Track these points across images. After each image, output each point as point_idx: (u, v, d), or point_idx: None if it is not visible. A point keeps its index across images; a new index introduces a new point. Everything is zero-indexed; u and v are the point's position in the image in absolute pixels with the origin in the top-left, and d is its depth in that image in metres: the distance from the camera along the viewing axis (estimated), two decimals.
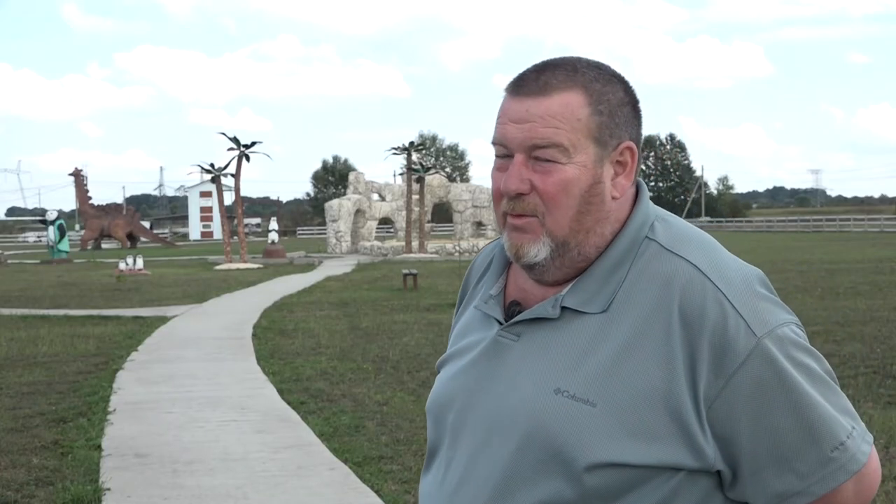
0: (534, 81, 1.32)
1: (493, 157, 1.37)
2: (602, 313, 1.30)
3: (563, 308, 1.32)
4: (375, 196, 44.47)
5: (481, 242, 38.70)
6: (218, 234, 67.58)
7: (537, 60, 1.37)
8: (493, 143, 1.36)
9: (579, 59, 1.35)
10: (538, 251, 1.32)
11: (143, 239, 57.42)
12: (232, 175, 34.94)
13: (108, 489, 5.55)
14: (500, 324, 1.38)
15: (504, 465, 1.29)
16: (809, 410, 1.26)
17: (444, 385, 1.45)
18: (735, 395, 1.24)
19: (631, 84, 1.37)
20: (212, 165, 35.55)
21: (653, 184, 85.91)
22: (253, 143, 34.71)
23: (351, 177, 43.93)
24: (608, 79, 1.34)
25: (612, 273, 1.32)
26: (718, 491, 1.30)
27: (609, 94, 1.32)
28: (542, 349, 1.32)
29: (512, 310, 1.39)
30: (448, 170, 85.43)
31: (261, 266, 31.62)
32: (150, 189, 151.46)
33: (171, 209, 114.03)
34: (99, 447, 6.53)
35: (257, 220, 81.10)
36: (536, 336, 1.33)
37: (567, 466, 1.24)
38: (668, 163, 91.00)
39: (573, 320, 1.31)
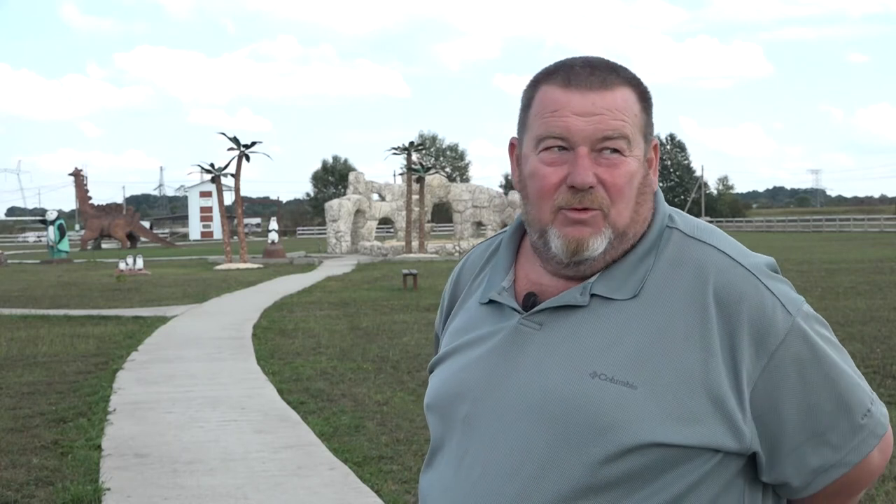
0: (590, 76, 1.34)
1: (538, 153, 1.34)
2: (632, 299, 1.32)
3: (592, 295, 1.34)
4: (375, 196, 44.46)
5: None
6: (218, 234, 67.66)
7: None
8: (546, 137, 1.33)
9: (608, 59, 1.40)
10: (600, 244, 1.33)
11: (143, 239, 57.43)
12: (232, 175, 34.93)
13: (108, 489, 5.55)
14: (519, 313, 1.38)
15: (538, 451, 1.28)
16: (840, 381, 1.32)
17: (450, 379, 1.43)
18: (776, 372, 1.28)
19: None
20: (212, 165, 35.53)
21: None
22: (253, 143, 34.70)
23: (351, 177, 43.92)
24: (640, 81, 1.39)
25: (640, 261, 1.35)
26: (741, 476, 1.32)
27: (647, 93, 1.39)
28: (571, 336, 1.32)
29: (529, 300, 1.39)
30: (448, 170, 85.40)
31: (261, 266, 31.62)
32: (150, 189, 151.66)
33: (171, 209, 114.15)
34: (99, 447, 6.53)
35: (257, 220, 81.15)
36: (563, 324, 1.34)
37: (608, 448, 1.25)
38: (668, 163, 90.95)
39: (602, 307, 1.33)
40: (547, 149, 1.33)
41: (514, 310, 1.39)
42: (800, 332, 1.29)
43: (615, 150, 1.32)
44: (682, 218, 1.41)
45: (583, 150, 1.31)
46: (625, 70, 1.38)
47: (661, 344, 1.28)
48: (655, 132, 1.42)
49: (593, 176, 1.30)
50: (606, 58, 1.40)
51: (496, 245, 1.51)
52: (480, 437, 1.34)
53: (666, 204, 1.42)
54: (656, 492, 1.26)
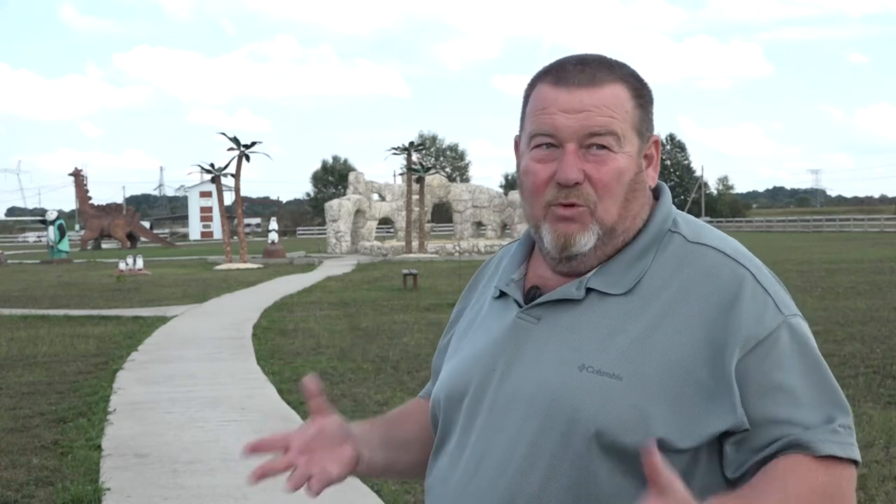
0: (580, 73, 1.34)
1: (531, 150, 1.37)
2: (626, 295, 1.33)
3: (588, 290, 1.35)
4: (375, 196, 44.46)
5: (481, 242, 38.69)
6: (218, 234, 67.63)
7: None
8: (536, 135, 1.35)
9: (605, 57, 1.40)
10: (588, 240, 1.34)
11: (143, 239, 57.42)
12: (232, 175, 34.91)
13: (108, 489, 5.55)
14: (520, 306, 1.40)
15: (527, 444, 1.29)
16: (824, 382, 1.29)
17: (456, 370, 1.45)
18: (758, 361, 1.26)
19: None
20: (212, 165, 35.52)
21: None
22: (253, 143, 34.69)
23: (351, 177, 43.91)
24: (640, 78, 1.39)
25: (637, 259, 1.35)
26: (716, 459, 1.29)
27: (644, 89, 1.38)
28: (566, 329, 1.33)
29: (531, 294, 1.40)
30: (448, 170, 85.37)
31: (261, 266, 31.61)
32: (150, 189, 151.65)
33: (171, 209, 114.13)
34: (99, 447, 6.53)
35: (257, 220, 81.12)
36: (559, 318, 1.35)
37: (592, 439, 1.25)
38: (668, 163, 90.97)
39: (597, 302, 1.34)
40: (538, 146, 1.35)
41: (518, 303, 1.40)
42: (789, 329, 1.29)
43: (603, 147, 1.32)
44: (686, 223, 1.40)
45: (570, 146, 1.32)
46: (621, 66, 1.38)
47: (653, 338, 1.28)
48: (654, 132, 1.41)
49: (579, 172, 1.31)
50: (604, 55, 1.40)
51: (521, 240, 1.53)
52: (478, 431, 1.36)
53: (672, 206, 1.42)
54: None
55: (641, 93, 1.37)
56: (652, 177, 1.40)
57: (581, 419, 1.26)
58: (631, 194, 1.35)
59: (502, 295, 1.45)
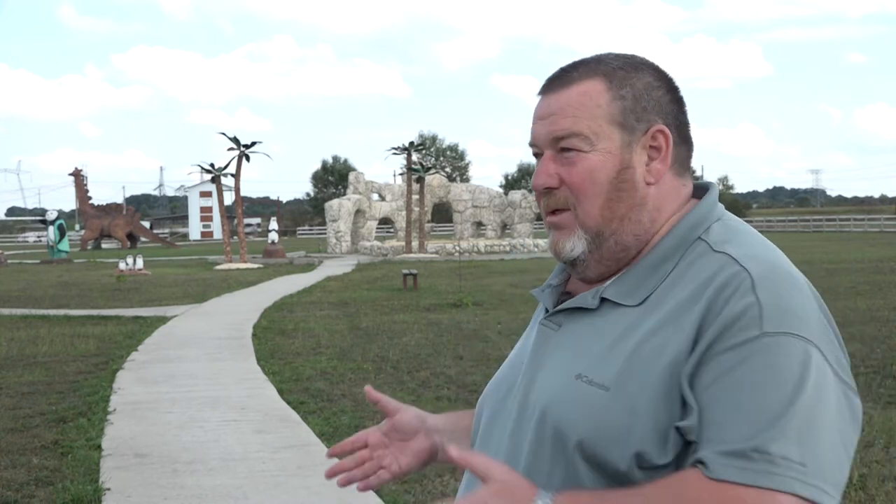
0: (558, 79, 1.35)
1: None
2: (638, 306, 1.28)
3: (602, 299, 1.32)
4: (375, 196, 44.43)
5: (481, 242, 38.69)
6: (218, 234, 67.65)
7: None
8: (529, 146, 1.38)
9: (608, 53, 1.36)
10: (574, 245, 1.33)
11: (143, 239, 57.40)
12: (232, 175, 34.91)
13: (108, 489, 5.55)
14: (547, 312, 1.40)
15: (525, 454, 1.30)
16: (786, 407, 1.13)
17: (494, 378, 1.48)
18: (717, 371, 1.16)
19: (665, 70, 1.36)
20: (212, 165, 35.52)
21: None
22: (253, 143, 34.69)
23: (351, 177, 43.89)
24: (635, 65, 1.33)
25: (656, 268, 1.29)
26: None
27: (633, 78, 1.31)
28: (577, 338, 1.31)
29: (562, 300, 1.40)
30: (448, 170, 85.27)
31: (261, 266, 31.60)
32: (150, 189, 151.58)
33: (171, 209, 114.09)
34: (99, 447, 6.53)
35: (257, 220, 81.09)
36: (575, 326, 1.33)
37: (576, 449, 1.23)
38: None
39: (611, 312, 1.30)
40: (534, 156, 1.38)
41: (547, 309, 1.41)
42: (762, 348, 1.14)
43: (573, 149, 1.30)
44: (722, 229, 1.30)
45: (548, 153, 1.33)
46: (615, 60, 1.32)
47: (647, 348, 1.22)
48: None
49: (550, 177, 1.32)
50: (612, 52, 1.36)
51: None
52: (494, 439, 1.38)
53: (716, 213, 1.32)
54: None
55: (626, 83, 1.30)
56: (657, 170, 1.31)
57: (564, 429, 1.24)
58: (615, 193, 1.29)
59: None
